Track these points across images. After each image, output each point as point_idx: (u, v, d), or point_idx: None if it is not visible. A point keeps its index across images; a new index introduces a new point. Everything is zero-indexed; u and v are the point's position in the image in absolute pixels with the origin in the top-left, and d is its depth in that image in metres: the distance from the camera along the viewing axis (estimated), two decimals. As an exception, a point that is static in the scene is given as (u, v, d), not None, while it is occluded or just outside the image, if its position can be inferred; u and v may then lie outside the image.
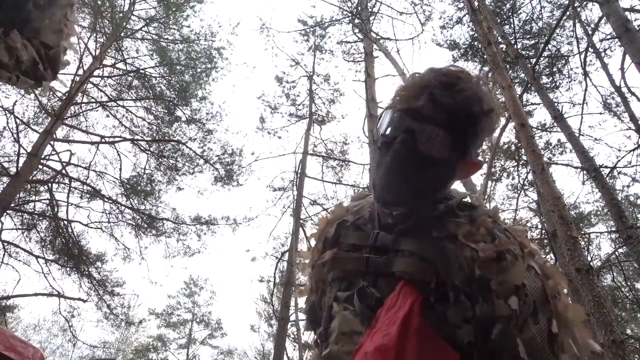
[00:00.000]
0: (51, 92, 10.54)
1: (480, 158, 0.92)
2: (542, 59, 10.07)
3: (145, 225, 11.62)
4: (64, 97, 10.22)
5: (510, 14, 10.89)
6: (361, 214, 0.98)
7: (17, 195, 9.38)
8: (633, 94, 8.44)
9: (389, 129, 0.88)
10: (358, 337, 0.79)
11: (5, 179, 9.23)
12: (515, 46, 9.77)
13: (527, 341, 0.73)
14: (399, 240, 0.86)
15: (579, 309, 0.79)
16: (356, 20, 11.18)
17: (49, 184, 10.30)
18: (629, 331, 14.21)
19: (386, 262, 0.84)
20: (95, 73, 11.01)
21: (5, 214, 9.02)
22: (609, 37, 9.10)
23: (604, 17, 6.65)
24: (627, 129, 9.59)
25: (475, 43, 11.02)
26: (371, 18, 11.12)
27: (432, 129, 0.83)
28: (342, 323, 0.84)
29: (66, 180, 10.58)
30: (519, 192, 10.50)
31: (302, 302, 1.12)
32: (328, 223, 1.04)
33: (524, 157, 9.24)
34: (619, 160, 9.06)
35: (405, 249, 0.83)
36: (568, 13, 9.01)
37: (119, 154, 11.27)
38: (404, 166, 0.84)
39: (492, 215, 0.88)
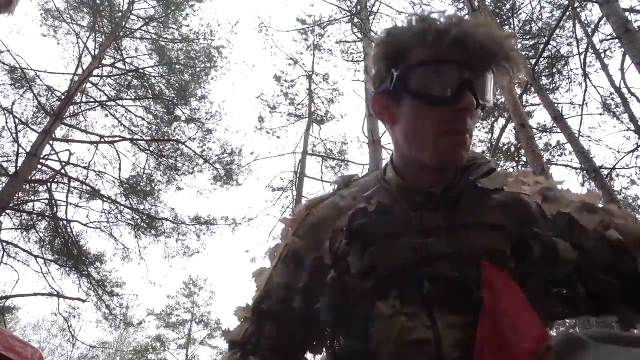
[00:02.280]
0: (50, 92, 10.54)
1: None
2: (541, 59, 10.07)
3: (145, 225, 11.61)
4: (63, 97, 10.21)
5: (510, 14, 10.90)
6: (377, 199, 0.81)
7: (16, 195, 9.36)
8: (633, 94, 8.45)
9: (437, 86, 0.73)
10: (427, 345, 0.65)
11: (4, 179, 9.21)
12: (515, 46, 9.77)
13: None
14: (451, 214, 0.75)
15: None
16: (355, 20, 11.17)
17: (48, 184, 10.28)
18: (627, 331, 14.22)
19: (448, 240, 0.72)
20: (94, 72, 11.00)
21: (4, 213, 9.00)
22: (608, 37, 9.11)
23: (604, 18, 6.65)
24: (626, 130, 9.61)
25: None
26: (370, 17, 11.12)
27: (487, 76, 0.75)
28: (401, 330, 0.68)
29: (65, 180, 10.57)
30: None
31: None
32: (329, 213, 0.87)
33: (524, 158, 9.25)
34: (618, 162, 9.08)
35: (468, 221, 0.74)
36: (568, 13, 9.02)
37: (118, 154, 11.27)
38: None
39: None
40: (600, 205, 0.77)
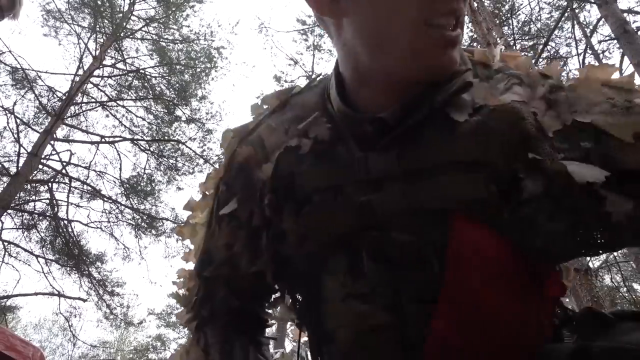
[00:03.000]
0: (51, 92, 10.57)
1: None
2: (540, 60, 10.08)
3: (145, 225, 11.64)
4: (64, 97, 10.24)
5: (509, 15, 10.92)
6: (314, 132, 0.60)
7: (17, 195, 9.40)
8: (632, 95, 8.47)
9: None
10: (391, 331, 0.52)
11: (5, 179, 9.25)
12: (514, 47, 9.79)
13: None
14: (408, 152, 0.53)
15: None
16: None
17: (49, 184, 10.31)
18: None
19: (403, 193, 0.52)
20: (95, 73, 11.03)
21: (5, 213, 9.03)
22: (607, 38, 9.12)
23: (603, 19, 6.67)
24: (625, 130, 9.62)
25: (475, 44, 11.05)
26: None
27: None
28: (355, 319, 0.54)
29: (66, 180, 10.60)
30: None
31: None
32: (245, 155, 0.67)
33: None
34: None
35: (429, 161, 0.52)
36: (567, 14, 9.04)
37: (118, 154, 11.30)
38: None
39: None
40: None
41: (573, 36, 9.25)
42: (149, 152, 11.82)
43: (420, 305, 0.50)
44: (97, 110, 11.66)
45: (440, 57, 0.51)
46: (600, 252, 0.52)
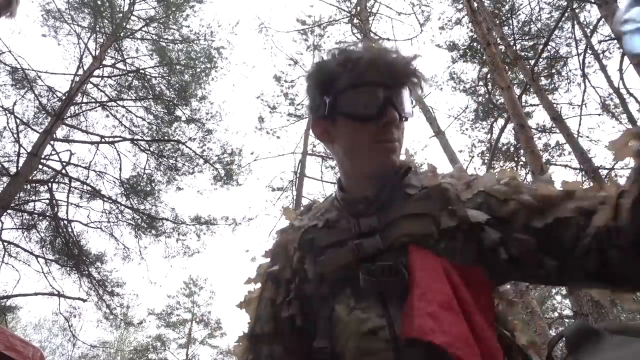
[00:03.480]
0: (51, 92, 10.57)
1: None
2: (541, 60, 10.09)
3: (145, 225, 11.64)
4: (64, 97, 10.24)
5: (509, 15, 10.92)
6: (327, 217, 0.93)
7: (17, 195, 9.39)
8: (632, 95, 8.48)
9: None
10: (382, 331, 0.74)
11: (5, 179, 9.24)
12: (514, 47, 9.80)
13: (542, 186, 0.81)
14: (383, 215, 0.85)
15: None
16: (355, 20, 11.20)
17: (49, 184, 10.31)
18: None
19: (382, 238, 0.82)
20: (95, 73, 11.03)
21: (5, 213, 9.03)
22: (607, 38, 9.13)
23: (603, 19, 6.67)
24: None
25: (475, 44, 11.05)
26: (370, 18, 11.15)
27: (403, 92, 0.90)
28: (357, 325, 0.76)
29: (66, 180, 10.59)
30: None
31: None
32: (285, 237, 0.99)
33: (523, 158, 9.27)
34: (617, 162, 9.09)
35: (395, 216, 0.83)
36: (567, 14, 9.04)
37: (118, 154, 11.29)
38: None
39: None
40: (515, 181, 0.84)
41: (573, 36, 9.26)
42: (149, 152, 11.82)
43: (399, 302, 0.75)
44: (97, 111, 11.66)
45: (386, 158, 0.87)
46: (504, 274, 0.81)
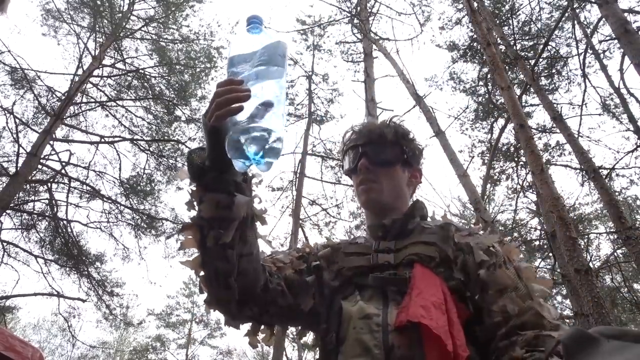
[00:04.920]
0: (51, 92, 10.56)
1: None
2: (541, 60, 10.09)
3: (145, 225, 11.63)
4: (64, 97, 10.23)
5: (509, 15, 10.92)
6: (357, 239, 1.19)
7: (17, 195, 9.38)
8: (632, 95, 8.47)
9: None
10: (376, 317, 0.94)
11: (4, 179, 9.23)
12: (515, 47, 9.79)
13: (505, 274, 0.97)
14: (400, 241, 1.08)
15: (531, 267, 1.03)
16: (355, 20, 11.19)
17: (49, 184, 10.30)
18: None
19: (394, 257, 1.05)
20: (95, 73, 11.02)
21: (4, 213, 9.02)
22: (608, 38, 9.12)
23: (603, 19, 6.66)
24: (625, 130, 9.62)
25: (475, 44, 11.04)
26: (370, 18, 11.13)
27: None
28: (358, 311, 0.96)
29: (65, 180, 10.58)
30: (518, 193, 10.52)
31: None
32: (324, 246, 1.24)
33: (523, 158, 9.26)
34: (617, 162, 9.09)
35: (409, 242, 1.06)
36: (567, 14, 9.04)
37: (118, 154, 11.28)
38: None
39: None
40: (492, 250, 1.03)
41: (573, 36, 9.26)
42: (149, 152, 11.82)
43: (399, 295, 0.97)
44: (96, 110, 11.66)
45: (365, 198, 1.14)
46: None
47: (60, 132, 10.70)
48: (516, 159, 10.68)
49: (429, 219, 1.18)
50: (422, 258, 1.01)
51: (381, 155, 1.15)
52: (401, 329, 0.89)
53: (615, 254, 10.43)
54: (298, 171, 11.90)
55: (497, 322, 0.92)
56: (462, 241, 1.05)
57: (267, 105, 0.80)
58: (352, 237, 1.36)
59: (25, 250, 10.11)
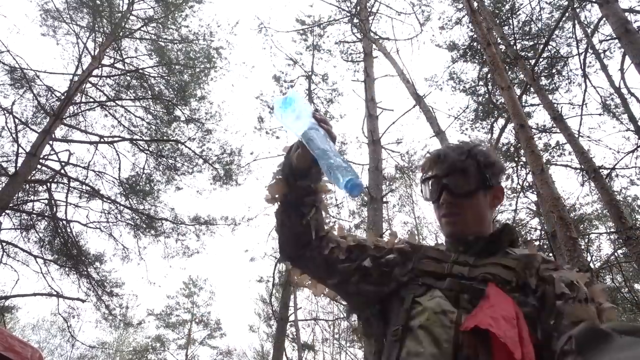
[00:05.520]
0: (50, 92, 10.54)
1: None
2: (541, 60, 10.07)
3: (144, 225, 11.62)
4: (63, 97, 10.22)
5: (509, 15, 10.90)
6: (439, 247, 1.24)
7: (16, 195, 9.37)
8: (633, 94, 8.45)
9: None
10: (451, 314, 0.99)
11: (3, 179, 9.22)
12: (515, 47, 9.77)
13: (583, 309, 0.96)
14: (480, 259, 1.11)
15: (614, 310, 1.02)
16: (355, 20, 11.18)
17: (48, 184, 10.28)
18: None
19: (469, 271, 1.08)
20: (94, 73, 11.01)
21: (3, 213, 9.00)
22: (608, 38, 9.11)
23: (604, 18, 6.65)
24: (626, 130, 9.61)
25: (475, 44, 11.03)
26: (370, 18, 11.12)
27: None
28: (436, 306, 1.02)
29: (65, 180, 10.57)
30: (518, 193, 10.50)
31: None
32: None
33: (524, 158, 9.25)
34: (617, 162, 9.08)
35: (489, 262, 1.08)
36: (567, 14, 9.02)
37: (117, 154, 11.28)
38: None
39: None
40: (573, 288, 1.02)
41: (574, 36, 9.23)
42: (148, 152, 11.80)
43: (470, 304, 0.99)
44: (95, 110, 11.65)
45: (448, 229, 1.17)
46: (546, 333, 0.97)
47: (59, 132, 10.70)
48: (516, 159, 10.66)
49: (519, 247, 1.18)
50: (498, 279, 1.03)
51: (464, 187, 1.16)
52: (473, 333, 0.91)
53: (615, 254, 10.42)
54: (298, 171, 11.87)
55: (565, 351, 0.91)
56: (545, 274, 1.04)
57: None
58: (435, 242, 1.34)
59: (24, 251, 10.11)
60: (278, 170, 1.28)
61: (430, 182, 1.22)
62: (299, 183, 1.20)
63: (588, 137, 9.61)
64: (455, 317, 0.98)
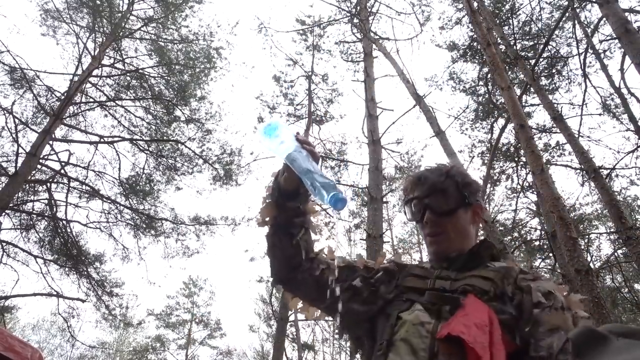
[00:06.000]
0: (50, 92, 10.54)
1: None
2: (541, 60, 10.07)
3: (144, 225, 11.61)
4: (63, 97, 10.21)
5: (509, 15, 10.90)
6: (423, 264, 1.29)
7: (16, 195, 9.36)
8: (633, 94, 8.46)
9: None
10: (428, 325, 1.04)
11: (3, 179, 9.21)
12: (515, 47, 9.78)
13: (560, 316, 1.01)
14: (462, 273, 1.16)
15: (589, 320, 1.06)
16: (355, 20, 11.18)
17: (48, 184, 10.28)
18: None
19: (450, 284, 1.13)
20: (94, 73, 11.00)
21: (4, 213, 9.00)
22: (608, 38, 9.11)
23: (604, 18, 6.66)
24: (626, 130, 9.61)
25: (475, 44, 11.03)
26: (370, 18, 11.13)
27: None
28: (414, 318, 1.08)
29: (65, 180, 10.57)
30: (518, 193, 10.50)
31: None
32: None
33: (524, 159, 9.25)
34: (617, 162, 9.08)
35: (469, 275, 1.14)
36: (567, 14, 9.02)
37: (117, 154, 11.27)
38: None
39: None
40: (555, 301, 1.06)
41: (574, 36, 9.23)
42: (148, 152, 11.80)
43: (450, 315, 1.04)
44: (95, 110, 11.65)
45: (433, 248, 1.24)
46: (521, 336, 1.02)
47: (59, 132, 10.69)
48: (516, 159, 10.67)
49: (500, 261, 1.24)
50: (477, 290, 1.09)
51: (444, 206, 1.23)
52: (447, 340, 0.97)
53: (615, 254, 10.43)
54: (298, 171, 11.87)
55: (542, 357, 0.96)
56: (522, 283, 1.10)
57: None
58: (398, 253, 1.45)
59: (24, 251, 10.10)
60: (267, 195, 1.32)
61: (413, 203, 1.28)
62: (288, 204, 1.25)
63: (588, 137, 9.62)
64: (432, 327, 1.04)
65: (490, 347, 0.93)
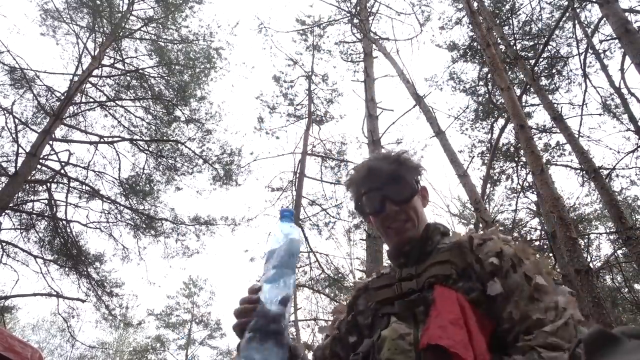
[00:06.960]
0: (50, 92, 10.54)
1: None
2: (541, 60, 10.07)
3: (144, 226, 11.61)
4: (63, 97, 10.21)
5: (509, 15, 10.90)
6: (382, 271, 1.29)
7: (16, 195, 9.36)
8: (633, 94, 8.46)
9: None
10: (408, 336, 1.03)
11: (3, 179, 9.21)
12: (515, 47, 9.78)
13: (510, 283, 1.01)
14: (420, 265, 1.15)
15: (538, 262, 1.06)
16: (355, 20, 11.18)
17: (48, 184, 10.28)
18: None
19: (416, 283, 1.12)
20: (94, 73, 11.00)
21: (3, 213, 9.00)
22: (608, 38, 9.12)
23: (604, 18, 6.66)
24: (626, 130, 9.61)
25: (475, 44, 11.03)
26: (370, 18, 11.13)
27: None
28: (392, 332, 1.06)
29: (65, 180, 10.57)
30: (518, 193, 10.50)
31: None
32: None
33: (524, 159, 9.25)
34: (617, 162, 9.08)
35: (427, 265, 1.12)
36: (567, 14, 9.02)
37: (117, 154, 11.27)
38: None
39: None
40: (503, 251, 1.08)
41: (574, 36, 9.23)
42: (148, 152, 11.80)
43: (423, 315, 1.04)
44: (95, 110, 11.64)
45: (395, 238, 1.21)
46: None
47: (59, 132, 10.69)
48: (516, 159, 10.66)
49: (450, 235, 1.24)
50: (440, 278, 1.07)
51: (402, 194, 1.20)
52: (430, 349, 0.95)
53: (615, 254, 10.43)
54: (298, 171, 11.89)
55: (506, 329, 0.97)
56: (478, 252, 1.09)
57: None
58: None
59: (24, 251, 10.10)
60: None
61: (368, 196, 1.23)
62: None
63: (588, 137, 9.61)
64: (412, 337, 1.02)
65: (470, 341, 0.93)
